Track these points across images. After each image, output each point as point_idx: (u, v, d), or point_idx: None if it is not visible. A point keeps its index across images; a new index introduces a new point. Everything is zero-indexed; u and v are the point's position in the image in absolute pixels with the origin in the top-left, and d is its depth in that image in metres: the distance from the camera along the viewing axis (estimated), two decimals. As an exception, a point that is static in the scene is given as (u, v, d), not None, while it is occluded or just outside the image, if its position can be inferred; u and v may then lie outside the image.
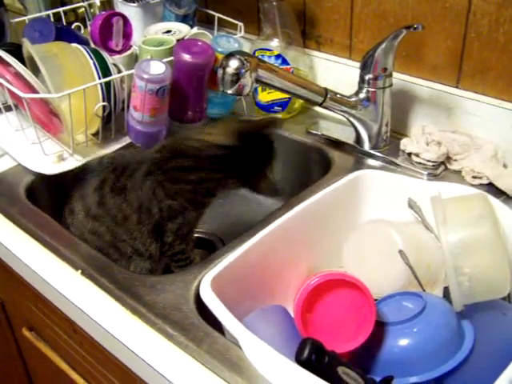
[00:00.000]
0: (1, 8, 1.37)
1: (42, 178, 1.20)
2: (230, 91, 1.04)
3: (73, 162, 1.18)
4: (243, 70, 1.03)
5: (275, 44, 1.35)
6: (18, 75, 1.15)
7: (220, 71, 1.04)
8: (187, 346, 0.82)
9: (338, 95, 1.18)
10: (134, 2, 1.45)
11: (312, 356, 0.75)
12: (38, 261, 1.01)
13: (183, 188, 1.05)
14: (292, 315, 0.92)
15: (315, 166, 1.30)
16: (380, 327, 0.88)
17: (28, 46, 1.16)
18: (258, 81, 1.06)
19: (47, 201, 1.20)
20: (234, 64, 1.03)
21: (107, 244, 1.05)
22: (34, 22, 1.34)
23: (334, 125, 1.34)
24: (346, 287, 0.87)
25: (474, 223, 0.92)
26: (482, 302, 0.90)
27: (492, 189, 1.10)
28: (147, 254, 1.06)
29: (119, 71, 1.22)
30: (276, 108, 1.38)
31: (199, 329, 0.85)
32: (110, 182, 1.06)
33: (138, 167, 1.07)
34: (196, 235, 1.15)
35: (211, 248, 1.31)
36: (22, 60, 1.19)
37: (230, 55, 1.04)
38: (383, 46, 1.12)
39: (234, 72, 1.03)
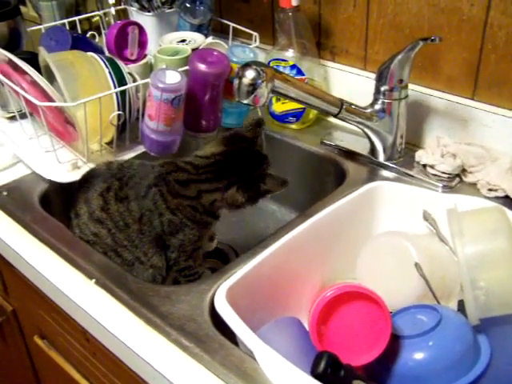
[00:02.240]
0: (17, 17, 1.38)
1: (55, 186, 1.21)
2: (245, 101, 1.04)
3: (80, 177, 1.18)
4: (259, 81, 1.03)
5: (290, 54, 1.35)
6: (34, 83, 1.15)
7: (236, 81, 1.04)
8: (202, 357, 0.82)
9: (354, 106, 1.18)
10: (149, 11, 1.46)
11: (328, 369, 0.75)
12: (52, 269, 1.01)
13: (182, 203, 1.04)
14: (306, 327, 0.92)
15: (329, 176, 1.30)
16: (395, 340, 0.87)
17: (44, 55, 1.17)
18: (274, 91, 1.06)
19: (61, 209, 1.19)
20: (250, 74, 1.03)
21: (109, 248, 1.05)
22: (50, 31, 1.34)
23: (348, 136, 1.34)
24: (362, 300, 0.87)
25: (491, 236, 0.92)
26: (498, 316, 0.90)
27: (508, 202, 1.09)
28: (149, 264, 1.05)
29: (134, 80, 1.23)
30: (290, 118, 1.38)
31: (214, 340, 0.85)
32: (114, 189, 1.06)
33: (143, 179, 1.06)
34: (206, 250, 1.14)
35: (223, 258, 1.31)
36: (37, 68, 1.20)
37: (246, 65, 1.04)
38: (399, 57, 1.11)
39: (251, 82, 1.03)
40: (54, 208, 1.19)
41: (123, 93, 1.18)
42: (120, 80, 1.19)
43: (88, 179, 1.10)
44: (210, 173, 1.05)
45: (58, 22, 1.50)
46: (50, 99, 1.14)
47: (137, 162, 1.11)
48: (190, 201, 1.04)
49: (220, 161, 1.05)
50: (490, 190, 1.12)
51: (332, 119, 1.39)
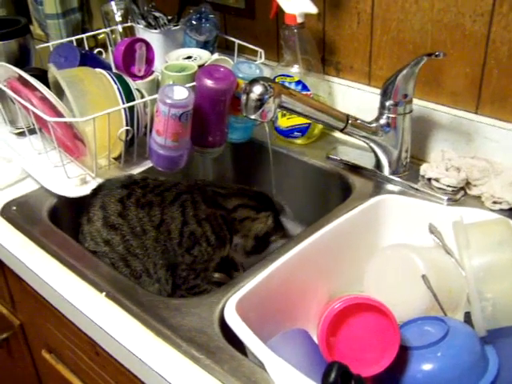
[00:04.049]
0: (27, 35, 1.40)
1: (64, 201, 1.22)
2: (253, 117, 1.06)
3: (95, 186, 1.19)
4: (267, 96, 1.04)
5: (295, 70, 1.36)
6: (43, 99, 1.17)
7: (244, 97, 1.05)
8: (213, 368, 0.83)
9: (359, 121, 1.19)
10: (155, 29, 1.48)
11: (338, 379, 0.75)
12: (62, 283, 1.02)
13: (215, 213, 1.06)
14: (313, 339, 0.92)
15: (335, 191, 1.30)
16: (403, 352, 0.87)
17: (54, 71, 1.18)
18: (281, 106, 1.08)
19: (70, 223, 1.20)
20: (257, 90, 1.04)
21: (118, 257, 1.06)
22: (59, 48, 1.36)
23: (353, 150, 1.35)
24: (370, 311, 0.87)
25: (497, 248, 0.93)
26: (506, 327, 0.90)
27: (513, 214, 1.10)
28: (155, 277, 1.06)
29: (142, 96, 1.24)
30: (296, 133, 1.39)
31: (224, 352, 0.85)
32: (136, 195, 1.07)
33: (174, 186, 1.09)
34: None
35: (230, 271, 1.31)
36: (46, 85, 1.21)
37: (253, 81, 1.05)
38: (404, 72, 1.13)
39: (258, 98, 1.04)
40: (63, 222, 1.20)
41: (131, 108, 1.20)
42: (128, 96, 1.21)
43: (105, 186, 1.12)
44: (251, 197, 1.14)
45: (65, 40, 1.52)
46: (60, 115, 1.15)
47: (162, 178, 1.14)
48: (224, 211, 1.08)
49: (261, 194, 1.15)
50: (495, 202, 1.13)
51: (337, 134, 1.41)
